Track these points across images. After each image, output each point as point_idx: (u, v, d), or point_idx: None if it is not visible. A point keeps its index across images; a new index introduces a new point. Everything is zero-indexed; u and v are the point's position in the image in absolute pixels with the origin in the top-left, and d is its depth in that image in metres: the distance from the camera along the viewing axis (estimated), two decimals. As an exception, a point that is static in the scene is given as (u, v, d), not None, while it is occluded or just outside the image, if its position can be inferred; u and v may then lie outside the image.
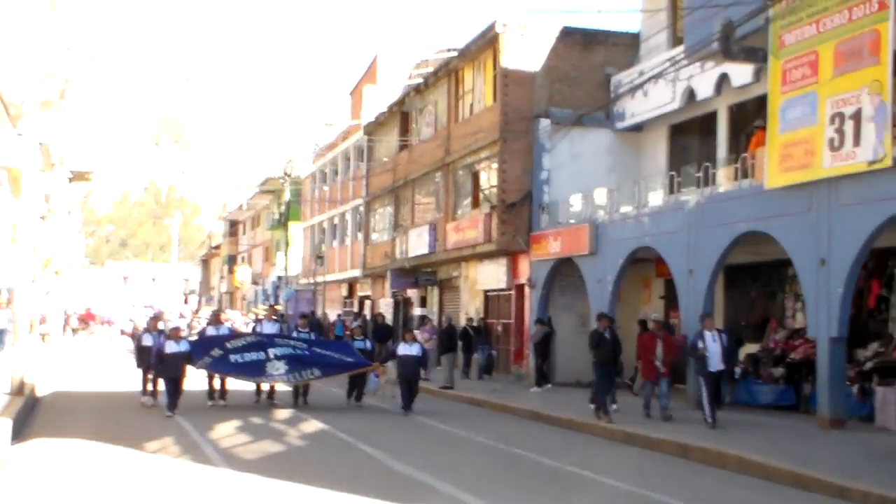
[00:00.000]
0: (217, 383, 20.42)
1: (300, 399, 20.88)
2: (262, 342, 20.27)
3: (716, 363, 17.48)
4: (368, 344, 21.86)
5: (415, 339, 20.75)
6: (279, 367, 19.83)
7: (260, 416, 18.74)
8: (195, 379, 19.94)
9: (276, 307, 25.77)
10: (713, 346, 17.49)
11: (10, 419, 14.51)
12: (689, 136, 26.66)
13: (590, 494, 11.27)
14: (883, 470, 12.31)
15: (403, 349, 20.12)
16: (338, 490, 10.61)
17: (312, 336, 22.14)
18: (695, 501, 10.75)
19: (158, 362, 18.96)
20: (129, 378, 22.07)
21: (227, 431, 16.21)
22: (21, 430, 14.95)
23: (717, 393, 17.71)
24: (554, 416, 19.44)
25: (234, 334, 21.63)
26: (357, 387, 21.13)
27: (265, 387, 21.14)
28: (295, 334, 21.87)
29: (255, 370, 19.82)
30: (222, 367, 19.72)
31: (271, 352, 19.89)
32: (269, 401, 21.02)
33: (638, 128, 28.11)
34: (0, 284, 45.39)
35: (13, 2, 18.49)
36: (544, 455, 14.25)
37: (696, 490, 11.56)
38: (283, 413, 19.39)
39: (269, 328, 21.93)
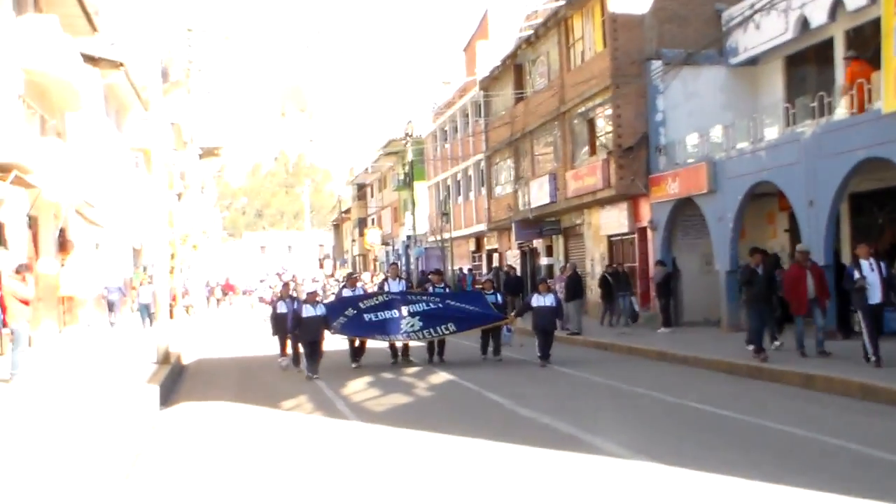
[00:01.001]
0: (357, 344, 20.37)
1: (435, 357, 20.68)
2: (395, 300, 20.06)
3: (876, 294, 15.77)
4: (499, 297, 21.41)
5: (549, 290, 20.14)
6: (414, 324, 19.74)
7: (391, 371, 19.20)
8: (333, 341, 20.12)
9: (396, 265, 25.59)
10: (871, 276, 15.79)
11: (157, 385, 15.52)
12: (806, 67, 26.20)
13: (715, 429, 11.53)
14: None
15: (538, 300, 19.71)
16: (460, 435, 11.12)
17: (447, 290, 21.84)
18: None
19: (296, 326, 18.96)
20: (267, 344, 22.86)
21: (358, 387, 16.90)
22: (168, 396, 15.91)
23: (878, 327, 16.02)
24: (680, 354, 19.60)
25: (367, 294, 21.59)
26: (493, 341, 20.84)
27: (398, 346, 20.86)
28: (430, 289, 21.60)
29: (390, 328, 19.74)
30: (357, 327, 19.68)
31: (405, 309, 19.78)
32: (404, 359, 20.75)
33: (752, 62, 27.77)
34: (145, 262, 47.51)
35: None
36: (665, 392, 14.54)
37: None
38: (413, 368, 19.80)
39: (395, 287, 21.36)
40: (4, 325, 17.19)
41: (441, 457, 10.00)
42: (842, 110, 21.02)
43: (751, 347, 17.63)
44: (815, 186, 21.05)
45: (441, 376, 18.08)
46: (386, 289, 21.51)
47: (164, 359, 19.87)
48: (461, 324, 20.16)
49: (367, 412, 13.73)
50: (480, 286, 24.30)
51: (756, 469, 8.79)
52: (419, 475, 9.12)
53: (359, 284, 23.79)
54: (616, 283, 27.60)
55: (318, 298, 20.40)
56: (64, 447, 10.17)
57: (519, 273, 37.92)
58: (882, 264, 16.14)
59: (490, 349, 20.92)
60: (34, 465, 9.24)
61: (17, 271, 16.90)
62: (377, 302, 20.11)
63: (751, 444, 10.29)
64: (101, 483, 8.39)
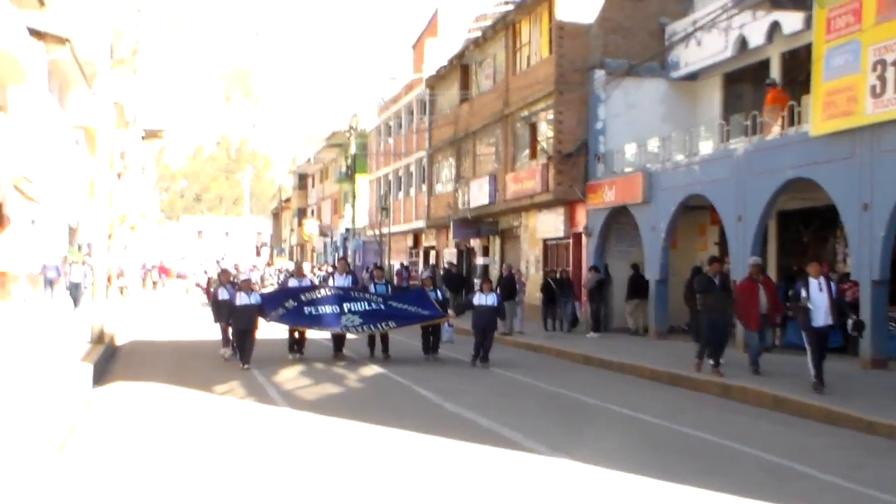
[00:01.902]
0: (297, 336, 20.24)
1: (378, 352, 20.52)
2: (337, 295, 20.03)
3: (820, 317, 14.84)
4: (439, 294, 21.30)
5: (492, 290, 20.21)
6: (354, 320, 19.74)
7: (325, 363, 19.44)
8: (271, 329, 20.06)
9: (345, 259, 25.47)
10: (819, 297, 14.83)
11: (90, 364, 15.68)
12: (743, 85, 26.92)
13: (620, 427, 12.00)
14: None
15: (479, 299, 19.69)
16: (385, 426, 11.48)
17: (388, 289, 21.66)
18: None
19: (230, 315, 18.93)
20: (202, 329, 22.98)
21: (290, 376, 17.21)
22: (101, 376, 16.06)
23: (822, 350, 14.98)
24: (606, 359, 20.11)
25: (310, 286, 21.23)
26: (433, 338, 20.77)
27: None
28: (371, 287, 21.17)
29: (328, 321, 19.74)
30: (295, 318, 19.64)
31: (346, 306, 19.77)
32: (338, 353, 20.50)
33: (692, 77, 28.44)
34: (81, 241, 47.13)
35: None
36: (587, 395, 15.03)
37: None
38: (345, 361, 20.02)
39: (341, 281, 21.24)
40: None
41: (364, 445, 10.35)
42: (776, 128, 21.70)
43: (709, 361, 16.76)
44: (744, 202, 21.71)
45: (373, 369, 18.41)
46: (331, 283, 21.53)
47: (98, 338, 19.98)
48: (401, 321, 20.27)
49: (297, 400, 14.06)
50: (420, 283, 24.30)
51: (666, 470, 9.26)
52: (341, 462, 9.47)
53: (306, 276, 23.58)
54: (559, 288, 27.76)
55: (253, 286, 20.27)
56: (-4, 420, 10.35)
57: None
58: (832, 285, 15.31)
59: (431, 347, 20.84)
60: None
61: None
62: (319, 296, 20.11)
63: (665, 447, 10.78)
64: (34, 454, 8.60)
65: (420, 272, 36.90)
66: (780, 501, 8.25)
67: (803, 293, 14.93)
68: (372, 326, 19.97)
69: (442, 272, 36.04)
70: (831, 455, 10.46)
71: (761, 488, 8.67)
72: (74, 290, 32.05)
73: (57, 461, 9.01)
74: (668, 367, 17.84)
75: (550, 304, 28.05)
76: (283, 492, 8.19)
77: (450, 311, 21.50)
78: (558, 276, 28.57)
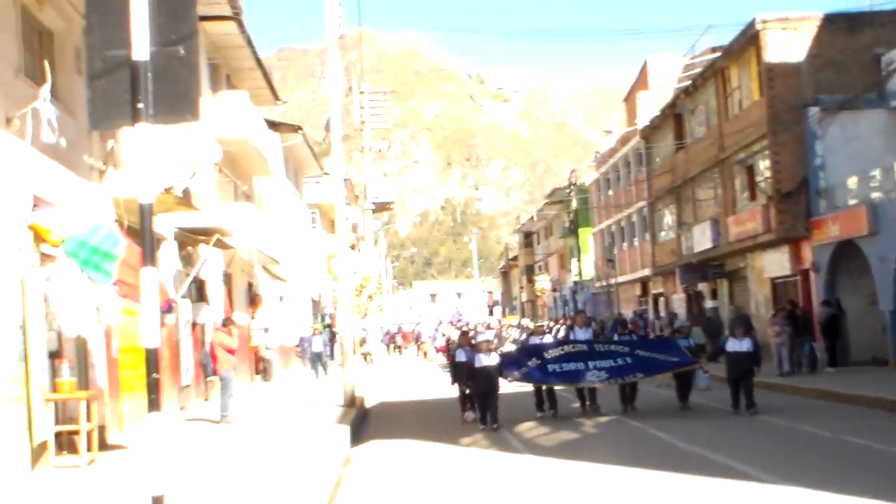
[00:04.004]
0: (544, 391, 19.65)
1: (627, 406, 19.68)
2: (581, 352, 19.37)
3: None
4: (691, 342, 20.73)
5: (745, 334, 18.70)
6: (600, 375, 19.02)
7: (571, 417, 19.36)
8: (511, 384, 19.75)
9: (584, 313, 24.80)
10: None
11: (348, 426, 17.22)
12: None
13: None
14: None
15: (732, 345, 18.44)
16: (620, 465, 12.34)
17: (632, 337, 21.27)
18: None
19: (469, 377, 18.40)
20: (443, 390, 24.09)
21: (529, 426, 18.22)
22: (357, 436, 17.55)
23: None
24: (844, 393, 20.05)
25: (554, 343, 20.78)
26: (684, 386, 19.77)
27: (585, 391, 19.89)
28: (616, 338, 20.78)
29: (573, 377, 19.16)
30: (540, 376, 19.15)
31: (591, 363, 19.02)
32: (593, 407, 19.72)
33: (914, 105, 28.08)
34: (317, 312, 49.98)
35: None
36: (823, 428, 15.32)
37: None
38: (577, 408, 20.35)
39: (582, 334, 20.82)
40: (214, 373, 19.24)
41: (600, 486, 11.24)
42: None
43: None
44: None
45: (606, 416, 19.10)
46: (572, 337, 21.13)
47: (350, 402, 21.58)
48: (649, 371, 19.45)
49: (538, 447, 15.09)
50: (675, 332, 23.27)
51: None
52: (580, 498, 10.40)
53: (547, 333, 23.27)
54: (795, 327, 26.44)
55: (490, 347, 19.44)
56: (273, 478, 11.82)
57: (682, 316, 38.34)
58: None
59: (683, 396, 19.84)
60: (255, 489, 10.90)
61: (224, 324, 19.04)
62: (563, 352, 19.50)
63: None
64: None
65: (662, 320, 35.60)
66: None
67: None
68: (620, 379, 19.17)
69: (704, 317, 35.02)
70: None
71: None
72: (315, 360, 33.74)
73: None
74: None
75: (790, 344, 26.39)
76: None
77: (705, 359, 21.01)
78: (791, 312, 27.20)
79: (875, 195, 26.09)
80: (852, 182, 27.61)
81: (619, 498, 10.38)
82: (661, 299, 47.18)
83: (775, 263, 32.17)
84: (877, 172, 26.67)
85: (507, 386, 19.12)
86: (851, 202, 27.24)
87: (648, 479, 11.46)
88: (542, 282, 75.54)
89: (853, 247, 27.16)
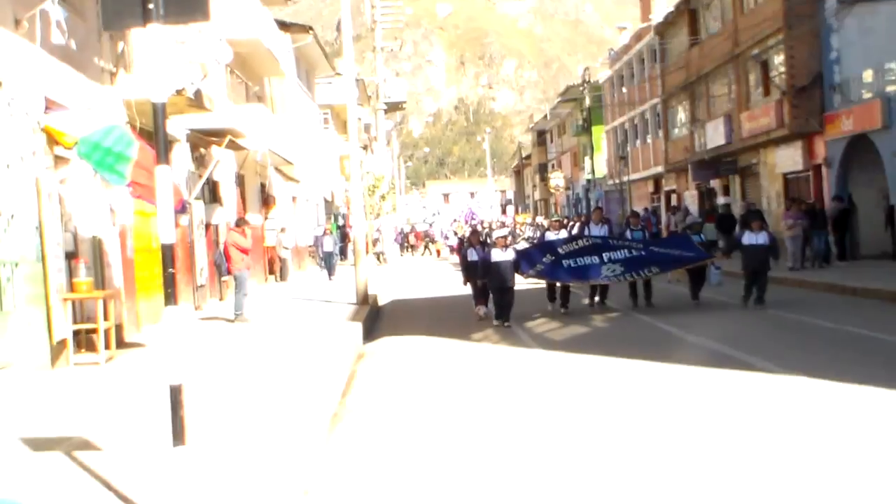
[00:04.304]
0: (558, 287, 19.71)
1: (640, 300, 19.63)
2: (596, 245, 19.25)
3: None
4: (702, 237, 20.49)
5: (762, 228, 18.64)
6: (615, 269, 18.84)
7: (583, 313, 19.50)
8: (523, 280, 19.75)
9: (600, 209, 23.82)
10: None
11: (360, 323, 17.52)
12: None
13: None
14: None
15: (749, 238, 18.40)
16: (626, 357, 12.61)
17: (645, 234, 21.02)
18: None
19: (485, 273, 18.37)
20: (456, 289, 24.29)
21: (539, 321, 18.51)
22: (370, 332, 17.87)
23: None
24: (850, 286, 20.26)
25: (568, 238, 20.65)
26: (696, 282, 19.60)
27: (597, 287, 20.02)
28: (628, 234, 20.47)
29: (590, 273, 18.98)
30: (555, 272, 19.11)
31: (606, 255, 18.94)
32: (601, 303, 19.99)
33: (930, -5, 27.67)
34: (330, 212, 50.18)
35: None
36: (827, 319, 15.54)
37: None
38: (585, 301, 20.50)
39: (597, 231, 20.62)
40: (229, 272, 19.49)
41: (608, 376, 11.50)
42: None
43: None
44: None
45: (615, 311, 19.33)
46: (587, 233, 21.02)
47: (363, 300, 21.87)
48: (665, 265, 19.47)
49: (548, 341, 15.39)
50: (686, 229, 22.82)
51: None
52: (587, 392, 10.66)
53: (563, 229, 23.10)
54: (812, 220, 26.17)
55: (507, 242, 19.56)
56: (287, 372, 12.12)
57: (695, 211, 38.24)
58: None
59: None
60: (270, 382, 11.20)
61: (238, 225, 19.24)
62: (577, 247, 19.38)
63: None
64: (319, 400, 10.21)
65: (677, 216, 35.10)
66: None
67: None
68: (634, 274, 18.99)
69: (716, 213, 34.34)
70: None
71: None
72: (329, 259, 33.44)
73: (341, 406, 10.59)
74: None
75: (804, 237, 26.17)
76: (524, 416, 9.45)
77: (720, 254, 20.89)
78: (810, 207, 26.94)
79: (890, 88, 25.92)
80: (867, 75, 27.44)
81: (622, 387, 10.64)
82: (674, 196, 47.19)
83: (788, 159, 32.13)
84: (893, 65, 26.48)
85: (521, 282, 19.17)
86: (866, 96, 27.10)
87: (651, 369, 11.71)
88: (556, 179, 75.37)
89: (867, 141, 27.08)
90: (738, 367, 11.44)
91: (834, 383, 9.99)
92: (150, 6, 6.07)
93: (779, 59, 30.91)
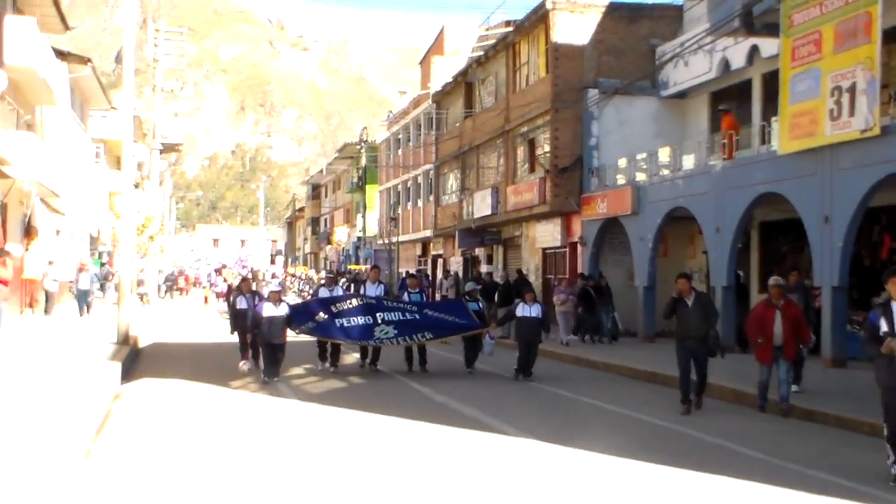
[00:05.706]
0: (329, 346, 19.60)
1: (416, 366, 19.58)
2: (370, 305, 19.11)
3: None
4: (479, 305, 20.22)
5: (535, 300, 19.05)
6: (388, 331, 18.82)
7: (356, 375, 19.33)
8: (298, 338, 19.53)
9: (377, 268, 23.19)
10: None
11: (119, 363, 17.43)
12: (729, 102, 28.38)
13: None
14: (858, 397, 14.54)
15: (523, 310, 18.61)
16: (372, 413, 13.25)
17: (423, 297, 21.05)
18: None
19: (255, 326, 18.06)
20: (221, 335, 24.29)
21: (299, 373, 18.93)
22: (128, 373, 17.77)
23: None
24: (593, 360, 21.67)
25: (343, 296, 20.18)
26: (471, 350, 19.65)
27: (369, 349, 19.88)
28: (405, 296, 20.32)
29: (361, 334, 18.91)
30: (327, 331, 18.91)
31: (380, 316, 18.88)
32: (372, 367, 19.75)
33: (681, 95, 30.15)
34: (100, 249, 48.87)
35: None
36: (567, 389, 16.68)
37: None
38: (350, 360, 21.09)
39: (372, 290, 20.10)
40: (-15, 304, 18.93)
41: (363, 431, 12.08)
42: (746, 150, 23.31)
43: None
44: (722, 214, 23.43)
45: (385, 374, 19.79)
46: (363, 292, 20.42)
47: (124, 340, 21.65)
48: (438, 331, 19.38)
49: (304, 393, 15.86)
50: (466, 296, 21.85)
51: (620, 449, 10.92)
52: (341, 444, 11.20)
53: (340, 283, 23.08)
54: (599, 296, 26.74)
55: (281, 297, 18.82)
56: (41, 408, 12.04)
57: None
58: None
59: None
60: (13, 422, 11.13)
61: (-1, 255, 18.77)
62: (351, 305, 19.22)
63: (621, 431, 12.48)
64: (73, 438, 10.29)
65: (448, 281, 35.42)
66: (700, 470, 9.90)
67: (883, 326, 9.58)
68: (408, 338, 19.04)
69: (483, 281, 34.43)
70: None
71: (685, 459, 10.33)
72: (83, 297, 32.48)
73: (95, 444, 10.70)
74: (644, 366, 19.51)
75: (589, 313, 26.68)
76: (281, 469, 9.91)
77: (494, 324, 20.88)
78: (596, 283, 27.26)
79: (640, 177, 27.98)
80: (622, 163, 29.48)
81: (361, 439, 11.34)
82: (440, 261, 48.60)
83: (548, 234, 33.92)
84: (643, 156, 28.57)
85: (292, 336, 18.88)
86: (620, 182, 29.11)
87: (397, 426, 12.43)
88: (341, 233, 75.83)
89: (618, 224, 29.06)
90: (479, 428, 12.28)
91: (558, 446, 10.95)
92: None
93: (545, 139, 32.73)
